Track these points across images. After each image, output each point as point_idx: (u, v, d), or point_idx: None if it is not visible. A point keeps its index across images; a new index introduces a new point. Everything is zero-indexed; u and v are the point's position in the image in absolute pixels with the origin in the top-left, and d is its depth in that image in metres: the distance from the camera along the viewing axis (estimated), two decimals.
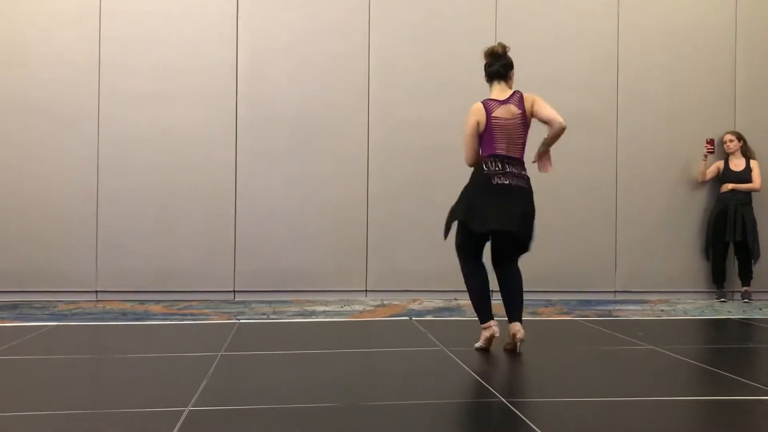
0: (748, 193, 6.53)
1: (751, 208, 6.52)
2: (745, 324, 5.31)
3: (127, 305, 5.79)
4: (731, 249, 6.56)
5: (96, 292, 6.07)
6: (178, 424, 2.64)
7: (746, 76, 6.69)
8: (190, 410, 2.84)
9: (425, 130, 6.32)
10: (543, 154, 3.99)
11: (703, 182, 6.66)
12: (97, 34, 6.09)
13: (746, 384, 3.34)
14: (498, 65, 3.95)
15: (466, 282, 4.01)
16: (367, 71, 6.33)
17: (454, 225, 4.00)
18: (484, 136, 3.90)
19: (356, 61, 6.32)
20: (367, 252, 6.31)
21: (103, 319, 5.13)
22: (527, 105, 3.91)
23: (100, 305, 5.80)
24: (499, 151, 3.86)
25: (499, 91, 3.95)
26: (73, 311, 5.49)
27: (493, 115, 3.87)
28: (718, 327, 5.29)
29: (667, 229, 6.61)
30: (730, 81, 6.69)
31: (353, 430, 2.65)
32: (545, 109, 3.89)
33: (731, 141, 6.58)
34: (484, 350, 3.95)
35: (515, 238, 3.89)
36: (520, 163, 3.92)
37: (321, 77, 6.28)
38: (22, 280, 6.00)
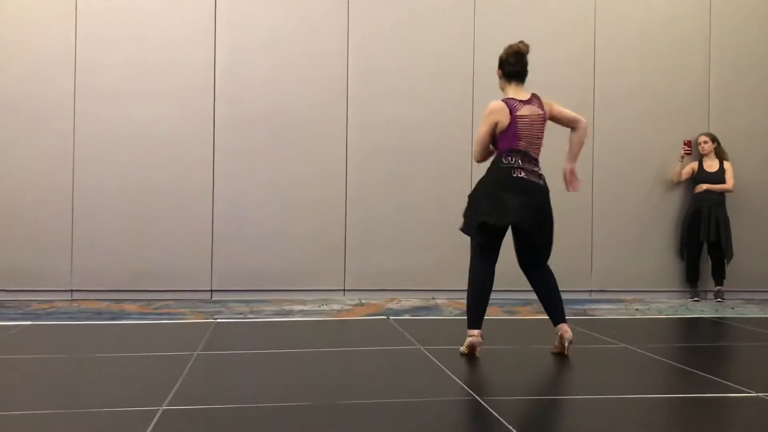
0: (721, 194, 6.62)
1: (725, 209, 6.61)
2: (717, 323, 5.39)
3: (103, 304, 5.74)
4: (705, 249, 6.66)
5: (71, 291, 6.01)
6: (153, 423, 2.64)
7: (720, 78, 6.78)
8: (165, 409, 2.83)
9: (404, 129, 6.33)
10: (572, 173, 3.97)
11: (678, 183, 6.74)
12: (73, 31, 6.04)
13: (717, 381, 3.39)
14: (520, 66, 3.93)
15: (470, 281, 3.91)
16: (345, 70, 6.33)
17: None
18: (506, 133, 3.83)
19: (335, 59, 6.31)
20: (345, 251, 6.31)
21: (77, 319, 5.08)
22: (546, 108, 3.91)
23: (75, 304, 5.75)
24: (520, 147, 3.81)
25: (517, 92, 3.91)
26: (48, 311, 5.43)
27: (518, 113, 3.82)
28: (691, 326, 5.37)
29: (643, 229, 6.68)
30: (704, 83, 6.78)
31: (329, 429, 2.66)
32: (566, 111, 3.93)
33: (705, 142, 6.66)
34: (468, 355, 3.85)
35: (531, 236, 3.81)
36: (537, 162, 3.88)
37: (299, 76, 6.27)
38: None
